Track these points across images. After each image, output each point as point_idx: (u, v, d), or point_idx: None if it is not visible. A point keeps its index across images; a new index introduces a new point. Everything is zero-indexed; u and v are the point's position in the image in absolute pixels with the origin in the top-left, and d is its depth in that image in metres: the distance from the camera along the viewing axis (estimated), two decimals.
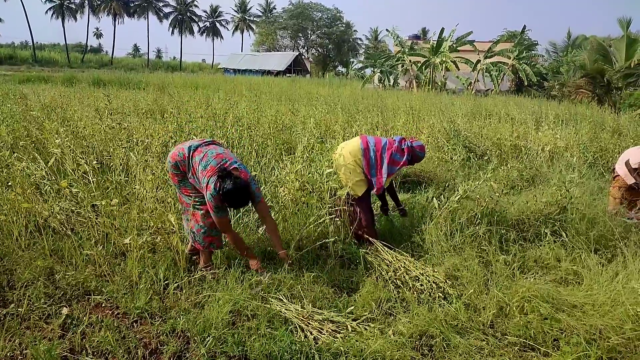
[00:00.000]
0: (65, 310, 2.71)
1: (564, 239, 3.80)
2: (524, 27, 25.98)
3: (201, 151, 3.22)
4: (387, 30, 29.35)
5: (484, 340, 2.67)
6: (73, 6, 62.29)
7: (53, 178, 3.97)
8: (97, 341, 2.50)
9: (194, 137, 5.58)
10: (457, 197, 3.86)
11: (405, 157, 3.95)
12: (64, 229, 3.59)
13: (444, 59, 24.60)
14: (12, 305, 2.72)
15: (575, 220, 4.04)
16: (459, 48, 25.71)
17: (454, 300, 3.03)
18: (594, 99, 17.35)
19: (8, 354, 2.35)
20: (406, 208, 4.53)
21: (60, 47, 68.26)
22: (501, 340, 2.70)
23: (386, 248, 3.63)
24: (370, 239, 3.75)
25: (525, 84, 25.30)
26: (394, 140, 4.03)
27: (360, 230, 3.91)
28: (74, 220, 3.71)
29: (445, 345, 2.64)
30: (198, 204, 3.30)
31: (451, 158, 7.07)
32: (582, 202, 4.32)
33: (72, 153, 4.69)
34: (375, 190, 3.99)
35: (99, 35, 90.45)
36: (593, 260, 3.38)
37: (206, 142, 3.36)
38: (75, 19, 63.28)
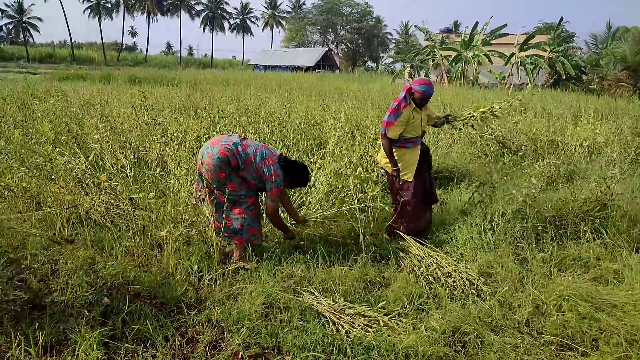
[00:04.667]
0: (106, 300, 2.81)
1: (604, 237, 3.68)
2: (561, 18, 25.10)
3: (247, 144, 3.36)
4: (415, 26, 28.92)
5: (519, 339, 2.62)
6: (109, 5, 64.09)
7: (93, 172, 4.11)
8: (137, 329, 2.59)
9: (221, 132, 5.67)
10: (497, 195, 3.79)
11: (401, 96, 3.83)
12: (104, 221, 3.72)
13: (476, 53, 24.02)
14: (56, 293, 2.84)
15: (616, 218, 3.90)
16: (492, 41, 25.06)
17: (487, 297, 2.99)
18: (635, 93, 16.64)
19: (53, 339, 2.46)
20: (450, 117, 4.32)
21: (97, 46, 70.23)
22: (537, 339, 2.64)
23: (418, 244, 3.60)
24: (402, 235, 3.73)
25: (563, 77, 24.44)
26: None
27: (395, 224, 3.89)
28: (113, 213, 3.84)
29: (479, 342, 2.61)
30: (243, 197, 3.38)
31: (485, 154, 6.92)
32: (624, 199, 4.17)
33: (111, 148, 4.85)
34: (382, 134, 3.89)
35: (133, 33, 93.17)
36: (634, 259, 3.27)
37: (241, 137, 3.44)
38: (111, 17, 65.22)
